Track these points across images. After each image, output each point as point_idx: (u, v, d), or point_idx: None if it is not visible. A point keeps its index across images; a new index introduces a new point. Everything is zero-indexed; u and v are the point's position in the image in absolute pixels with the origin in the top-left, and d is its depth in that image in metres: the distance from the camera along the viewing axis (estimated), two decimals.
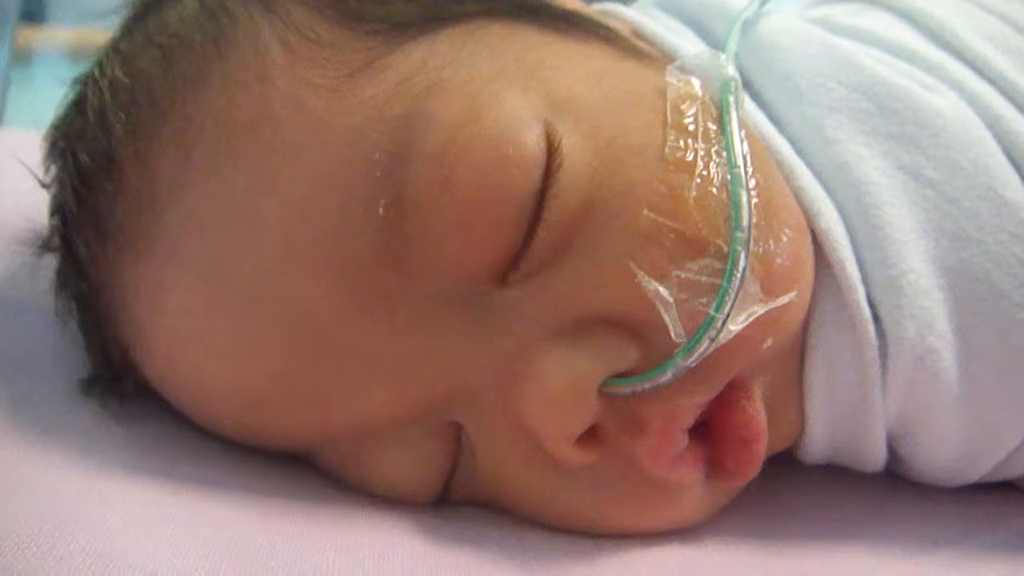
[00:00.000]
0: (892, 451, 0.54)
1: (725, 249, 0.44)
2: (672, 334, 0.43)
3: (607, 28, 0.54)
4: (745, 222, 0.44)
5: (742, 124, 0.49)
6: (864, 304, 0.49)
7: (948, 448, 0.52)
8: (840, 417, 0.51)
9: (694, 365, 0.44)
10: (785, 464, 0.55)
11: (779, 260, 0.46)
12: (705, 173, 0.46)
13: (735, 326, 0.44)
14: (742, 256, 0.44)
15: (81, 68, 0.56)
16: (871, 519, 0.55)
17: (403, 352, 0.45)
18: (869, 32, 0.58)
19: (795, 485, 0.56)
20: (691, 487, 0.48)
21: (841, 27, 0.60)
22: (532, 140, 0.45)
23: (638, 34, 0.59)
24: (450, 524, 0.48)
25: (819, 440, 0.52)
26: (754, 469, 0.48)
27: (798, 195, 0.50)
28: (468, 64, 0.47)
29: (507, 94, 0.46)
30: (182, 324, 0.48)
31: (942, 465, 0.53)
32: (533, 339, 0.45)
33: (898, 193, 0.50)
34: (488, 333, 0.45)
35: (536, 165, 0.44)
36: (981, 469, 0.54)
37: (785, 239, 0.47)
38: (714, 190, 0.45)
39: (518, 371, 0.45)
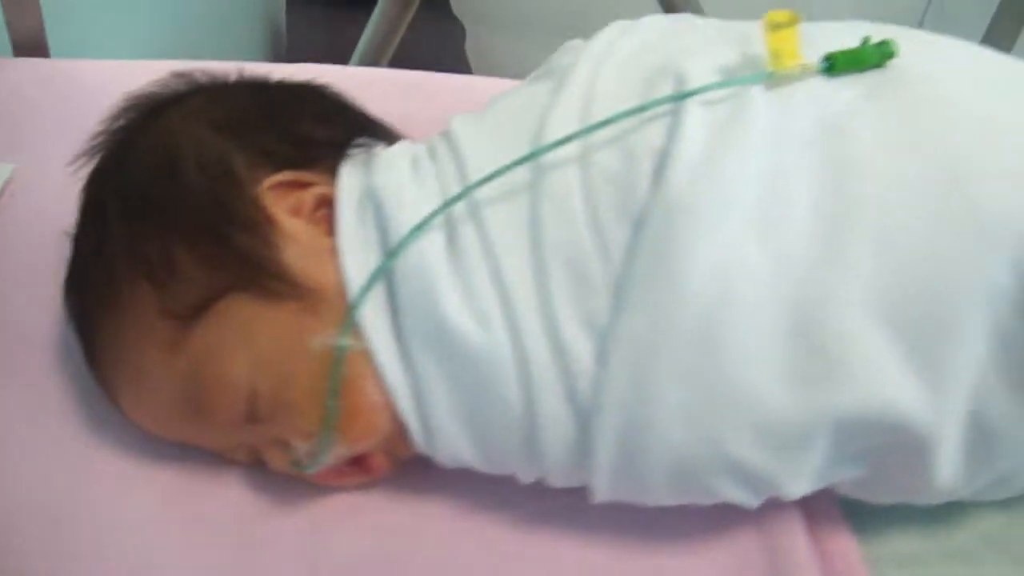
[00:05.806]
0: None
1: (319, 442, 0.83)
2: (296, 468, 0.85)
3: (301, 288, 0.85)
4: (331, 425, 0.82)
5: (353, 349, 0.82)
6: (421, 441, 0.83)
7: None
8: None
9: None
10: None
11: (356, 431, 0.84)
12: (321, 404, 0.82)
13: (326, 461, 0.84)
14: (327, 447, 0.83)
15: None
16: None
17: (230, 441, 0.89)
18: (492, 242, 0.81)
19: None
20: (356, 478, 0.88)
21: (479, 226, 0.81)
22: (243, 397, 0.84)
23: (334, 251, 0.85)
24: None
25: None
26: (384, 476, 0.88)
27: (387, 388, 0.83)
28: (219, 345, 0.84)
29: (235, 369, 0.84)
30: (130, 411, 0.91)
31: None
32: (265, 444, 0.88)
33: (443, 394, 0.82)
34: (253, 436, 0.87)
35: (243, 411, 0.85)
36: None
37: (363, 420, 0.84)
38: (323, 409, 0.82)
39: (263, 453, 0.88)
